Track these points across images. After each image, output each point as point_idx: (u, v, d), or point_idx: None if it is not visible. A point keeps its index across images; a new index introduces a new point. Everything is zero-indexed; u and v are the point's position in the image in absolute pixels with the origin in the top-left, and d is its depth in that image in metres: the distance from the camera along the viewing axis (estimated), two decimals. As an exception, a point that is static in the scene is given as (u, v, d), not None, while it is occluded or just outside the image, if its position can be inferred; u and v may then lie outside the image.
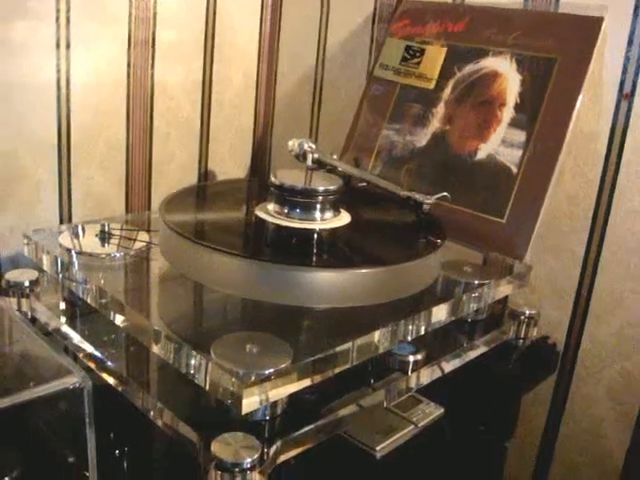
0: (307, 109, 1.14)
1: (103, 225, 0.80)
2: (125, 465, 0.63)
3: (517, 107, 0.85)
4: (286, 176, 0.75)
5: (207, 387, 0.54)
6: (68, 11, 0.88)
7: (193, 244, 0.66)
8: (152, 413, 0.60)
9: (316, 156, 0.89)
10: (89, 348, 0.68)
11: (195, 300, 0.71)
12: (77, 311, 0.75)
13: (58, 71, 0.90)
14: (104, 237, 0.78)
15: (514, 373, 0.82)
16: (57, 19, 0.88)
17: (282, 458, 0.56)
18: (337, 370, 0.58)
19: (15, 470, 0.50)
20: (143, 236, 0.79)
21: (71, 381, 0.50)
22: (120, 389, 0.64)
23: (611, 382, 0.86)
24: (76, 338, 0.70)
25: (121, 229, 0.81)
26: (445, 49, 0.92)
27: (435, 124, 0.91)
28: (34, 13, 0.85)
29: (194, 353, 0.55)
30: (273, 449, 0.55)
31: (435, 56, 0.92)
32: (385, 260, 0.68)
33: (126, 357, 0.69)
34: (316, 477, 0.63)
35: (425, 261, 0.70)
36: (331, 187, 0.74)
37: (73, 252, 0.73)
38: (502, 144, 0.85)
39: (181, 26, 1.02)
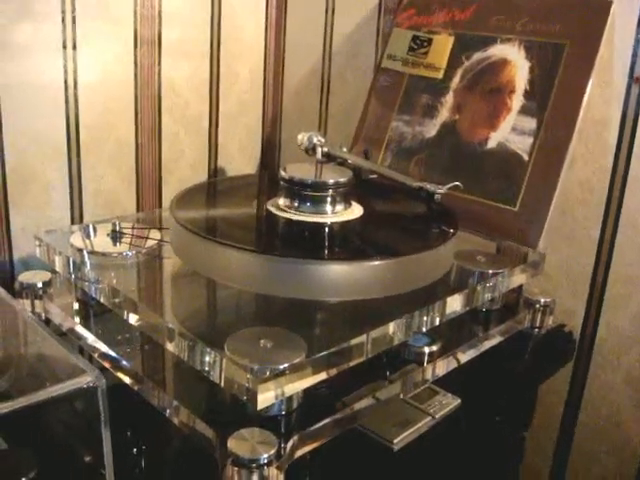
0: (315, 102, 1.14)
1: (114, 224, 0.79)
2: (142, 463, 0.63)
3: (527, 94, 0.84)
4: (296, 170, 0.75)
5: (222, 383, 0.54)
6: (73, 12, 0.88)
7: (205, 240, 0.66)
8: (168, 411, 0.60)
9: (325, 149, 0.89)
10: (104, 348, 0.68)
11: (208, 296, 0.71)
12: (91, 311, 0.75)
13: (65, 72, 0.90)
14: (116, 236, 0.78)
15: (530, 362, 0.82)
16: (63, 20, 0.88)
17: (299, 453, 0.56)
18: (352, 363, 0.58)
19: (32, 470, 0.50)
20: (154, 234, 0.79)
21: (85, 380, 0.50)
22: (136, 388, 0.64)
23: (629, 368, 0.86)
24: (90, 338, 0.70)
25: (132, 228, 0.81)
26: (452, 38, 0.91)
27: (444, 114, 0.90)
28: (40, 14, 0.85)
29: (208, 350, 0.55)
30: (290, 444, 0.54)
31: (442, 45, 0.92)
32: (398, 251, 0.67)
33: (141, 355, 0.69)
34: (333, 470, 0.63)
35: (438, 251, 0.69)
36: (341, 179, 0.74)
37: (85, 252, 0.73)
38: (512, 132, 0.84)
39: (186, 23, 1.02)
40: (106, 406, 0.51)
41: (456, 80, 0.90)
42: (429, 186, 0.79)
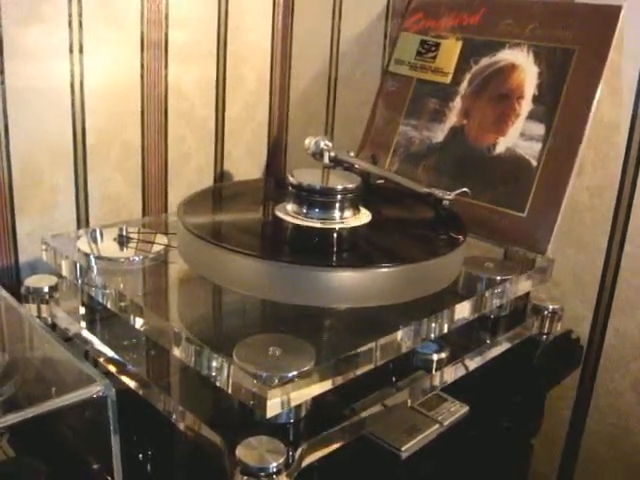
0: (322, 107, 1.13)
1: (121, 229, 0.79)
2: (149, 470, 0.63)
3: (535, 99, 0.84)
4: (304, 175, 0.74)
5: (230, 390, 0.54)
6: (80, 15, 0.88)
7: (212, 246, 0.65)
8: (175, 417, 0.60)
9: (333, 154, 0.88)
10: (110, 352, 0.68)
11: (215, 302, 0.70)
12: (97, 316, 0.75)
13: (72, 75, 0.90)
14: (122, 241, 0.78)
15: (538, 368, 0.82)
16: (70, 23, 0.87)
17: (308, 461, 0.55)
18: (361, 370, 0.58)
19: (40, 478, 0.49)
20: (161, 239, 0.79)
21: (95, 390, 0.50)
22: (142, 393, 0.63)
23: (637, 375, 0.85)
24: (96, 343, 0.70)
25: (139, 232, 0.80)
26: (461, 42, 0.91)
27: (452, 119, 0.90)
28: (47, 18, 0.85)
29: (216, 356, 0.54)
30: (298, 452, 0.54)
31: (451, 50, 0.91)
32: (407, 258, 0.67)
33: (147, 361, 0.68)
34: (341, 478, 0.63)
35: (447, 258, 0.69)
36: (350, 185, 0.73)
37: (92, 257, 0.73)
38: (521, 137, 0.84)
39: (193, 26, 1.02)
40: (116, 415, 0.50)
41: (464, 85, 0.90)
42: (437, 192, 0.79)
